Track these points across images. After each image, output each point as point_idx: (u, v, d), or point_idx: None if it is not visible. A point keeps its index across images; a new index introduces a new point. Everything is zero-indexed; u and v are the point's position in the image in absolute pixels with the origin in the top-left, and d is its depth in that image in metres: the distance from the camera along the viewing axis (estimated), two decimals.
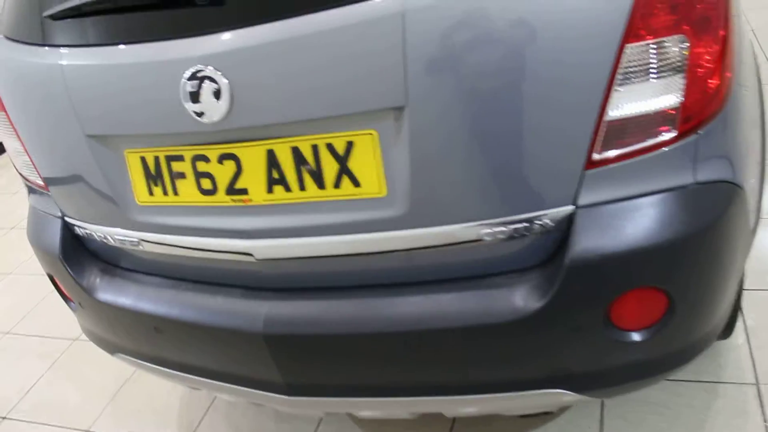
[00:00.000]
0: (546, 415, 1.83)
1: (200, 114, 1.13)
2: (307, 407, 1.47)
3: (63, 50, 1.25)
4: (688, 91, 1.03)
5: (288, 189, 1.18)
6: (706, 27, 1.02)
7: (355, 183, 1.14)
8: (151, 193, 1.30)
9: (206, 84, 1.10)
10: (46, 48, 1.28)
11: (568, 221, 1.10)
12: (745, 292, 1.93)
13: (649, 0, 0.97)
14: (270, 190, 1.19)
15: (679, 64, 1.02)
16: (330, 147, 1.12)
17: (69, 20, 1.25)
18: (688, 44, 1.01)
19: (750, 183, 1.21)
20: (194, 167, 1.23)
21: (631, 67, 1.00)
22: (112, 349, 1.63)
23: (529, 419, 1.84)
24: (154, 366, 1.54)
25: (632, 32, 0.98)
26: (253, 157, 1.17)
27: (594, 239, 1.08)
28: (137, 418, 2.20)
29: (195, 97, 1.12)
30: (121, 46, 1.19)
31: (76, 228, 1.50)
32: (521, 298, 1.14)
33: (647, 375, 1.25)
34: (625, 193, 1.08)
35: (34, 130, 1.39)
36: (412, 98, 1.04)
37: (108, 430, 2.18)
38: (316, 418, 2.00)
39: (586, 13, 0.98)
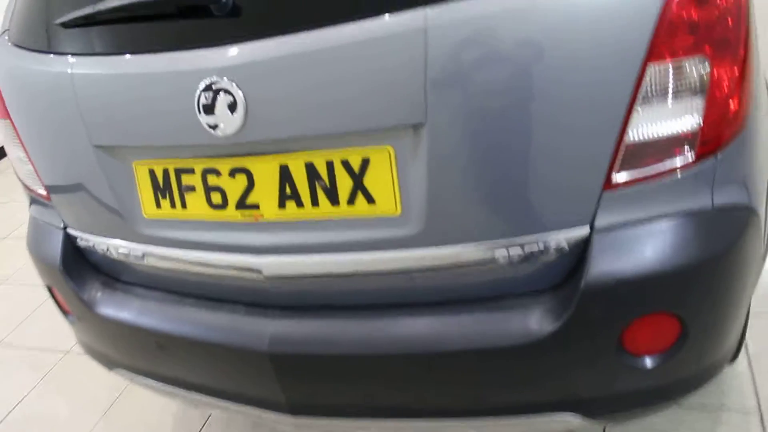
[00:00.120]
0: None
1: (214, 127, 1.11)
2: (311, 428, 1.44)
3: (73, 58, 1.23)
4: (708, 113, 1.03)
5: (300, 205, 1.16)
6: (727, 48, 1.01)
7: (370, 200, 1.12)
8: (158, 206, 1.28)
9: (221, 96, 1.08)
10: (56, 56, 1.26)
11: (584, 243, 1.09)
12: None
13: (673, 19, 0.97)
14: (282, 206, 1.17)
15: (699, 84, 1.01)
16: (345, 163, 1.11)
17: (81, 28, 1.23)
18: (709, 65, 1.00)
19: (764, 208, 1.20)
20: (204, 181, 1.21)
21: (652, 86, 1.00)
22: (110, 364, 1.60)
23: None
24: (155, 382, 1.51)
25: (655, 51, 0.98)
26: (266, 171, 1.15)
27: (611, 262, 1.07)
28: None
29: (209, 109, 1.10)
30: (135, 56, 1.17)
31: (78, 240, 1.47)
32: (535, 321, 1.12)
33: (658, 400, 1.23)
34: (641, 215, 1.07)
35: (40, 139, 1.37)
36: (432, 115, 1.03)
37: None
38: None
39: (609, 32, 0.97)
